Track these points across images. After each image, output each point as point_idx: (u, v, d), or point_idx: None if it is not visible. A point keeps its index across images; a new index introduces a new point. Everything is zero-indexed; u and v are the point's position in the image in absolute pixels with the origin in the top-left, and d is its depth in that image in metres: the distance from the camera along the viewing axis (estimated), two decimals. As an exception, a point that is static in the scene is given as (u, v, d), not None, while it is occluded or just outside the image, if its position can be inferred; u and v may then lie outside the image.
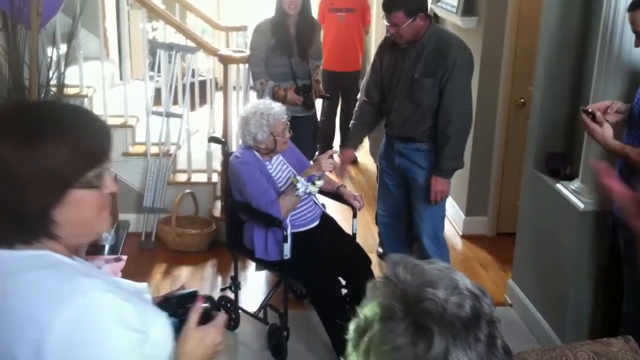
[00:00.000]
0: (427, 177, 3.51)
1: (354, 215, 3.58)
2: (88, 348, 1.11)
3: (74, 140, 1.18)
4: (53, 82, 3.14)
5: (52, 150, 1.15)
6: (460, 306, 0.93)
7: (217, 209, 4.73)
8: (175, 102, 4.92)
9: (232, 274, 3.72)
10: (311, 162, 3.73)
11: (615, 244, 2.94)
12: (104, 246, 2.99)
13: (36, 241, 1.19)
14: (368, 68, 4.07)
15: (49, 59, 3.23)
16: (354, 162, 6.26)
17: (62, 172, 1.16)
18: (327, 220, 3.60)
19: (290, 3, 4.24)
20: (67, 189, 1.17)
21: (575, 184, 3.28)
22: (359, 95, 4.41)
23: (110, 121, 4.65)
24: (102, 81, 4.64)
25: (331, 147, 5.97)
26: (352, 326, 1.00)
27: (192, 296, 1.38)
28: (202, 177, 4.79)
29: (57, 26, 4.17)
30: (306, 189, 3.25)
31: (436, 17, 5.01)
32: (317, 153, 5.38)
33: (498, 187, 4.74)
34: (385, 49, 3.63)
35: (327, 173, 3.42)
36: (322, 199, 3.68)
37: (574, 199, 3.23)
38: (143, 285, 1.36)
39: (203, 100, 5.42)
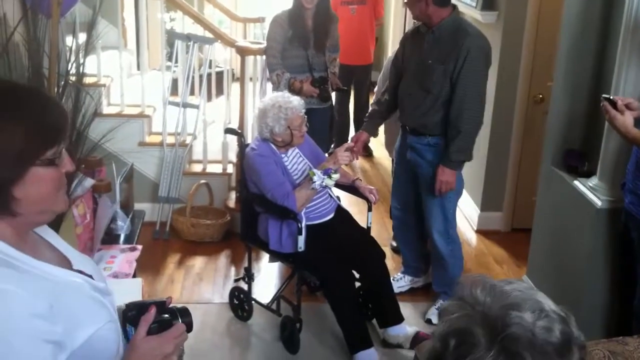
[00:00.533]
0: (434, 170, 3.48)
1: (369, 209, 3.57)
2: None
3: (31, 118, 1.21)
4: (72, 71, 3.16)
5: (10, 127, 1.19)
6: (550, 330, 0.88)
7: (232, 199, 4.75)
8: (192, 93, 4.93)
9: (246, 265, 3.73)
10: (327, 155, 3.73)
11: (627, 240, 2.92)
12: (119, 235, 2.99)
13: None
14: (385, 61, 4.05)
15: (67, 49, 3.24)
16: (369, 154, 6.26)
17: (21, 150, 1.19)
18: (342, 213, 3.60)
19: None
20: (28, 166, 1.21)
21: (593, 181, 3.26)
22: (376, 88, 4.41)
23: (127, 111, 4.69)
24: (119, 71, 4.66)
25: (346, 140, 5.95)
26: (425, 350, 0.95)
27: (148, 306, 1.37)
28: (217, 168, 4.80)
29: (76, 15, 4.21)
30: (322, 182, 3.25)
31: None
32: (332, 146, 5.39)
33: (514, 183, 4.71)
34: (408, 39, 3.68)
35: (342, 166, 3.42)
36: (336, 191, 3.68)
37: (591, 196, 3.21)
38: (105, 287, 1.38)
39: (220, 91, 5.43)
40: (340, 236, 3.44)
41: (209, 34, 4.70)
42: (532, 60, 4.43)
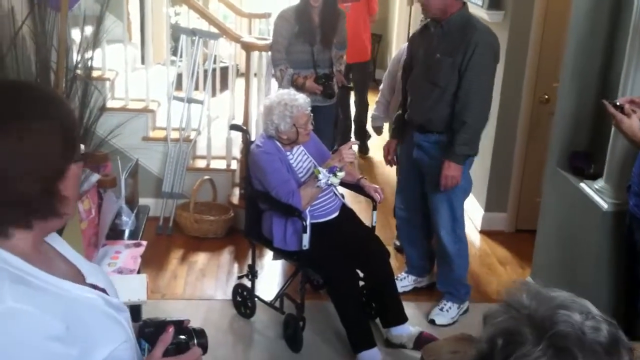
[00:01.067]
0: (440, 167, 3.46)
1: (374, 208, 3.56)
2: None
3: (62, 118, 1.22)
4: (79, 65, 3.15)
5: (53, 128, 1.19)
6: (598, 330, 0.88)
7: (236, 196, 4.74)
8: (196, 88, 4.91)
9: (250, 262, 3.72)
10: (331, 153, 3.72)
11: (632, 243, 2.91)
12: (124, 231, 2.98)
13: (16, 230, 1.18)
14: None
15: (75, 42, 3.23)
16: (365, 153, 6.23)
17: (64, 148, 1.20)
18: (346, 212, 3.59)
19: None
20: (70, 162, 1.21)
21: (599, 184, 3.25)
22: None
23: (132, 105, 4.68)
24: (124, 65, 4.64)
25: (349, 138, 5.94)
26: (473, 352, 0.95)
27: (166, 325, 1.36)
28: (221, 164, 4.79)
29: (83, 9, 4.19)
30: (327, 180, 3.24)
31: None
32: (335, 145, 5.37)
33: (518, 184, 4.70)
34: (416, 37, 3.69)
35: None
36: (340, 189, 3.66)
37: (597, 198, 3.20)
38: (120, 303, 1.35)
39: (224, 87, 5.42)
40: (345, 234, 3.43)
41: (214, 29, 4.69)
42: (538, 60, 4.42)
